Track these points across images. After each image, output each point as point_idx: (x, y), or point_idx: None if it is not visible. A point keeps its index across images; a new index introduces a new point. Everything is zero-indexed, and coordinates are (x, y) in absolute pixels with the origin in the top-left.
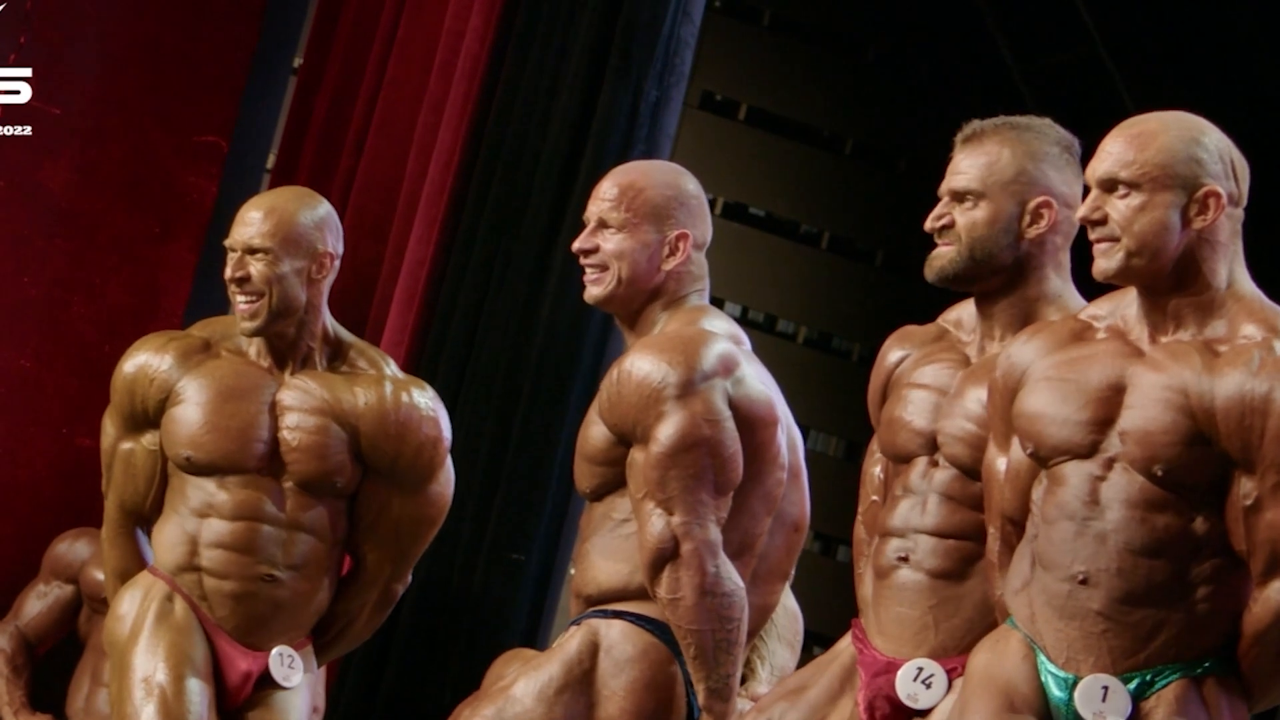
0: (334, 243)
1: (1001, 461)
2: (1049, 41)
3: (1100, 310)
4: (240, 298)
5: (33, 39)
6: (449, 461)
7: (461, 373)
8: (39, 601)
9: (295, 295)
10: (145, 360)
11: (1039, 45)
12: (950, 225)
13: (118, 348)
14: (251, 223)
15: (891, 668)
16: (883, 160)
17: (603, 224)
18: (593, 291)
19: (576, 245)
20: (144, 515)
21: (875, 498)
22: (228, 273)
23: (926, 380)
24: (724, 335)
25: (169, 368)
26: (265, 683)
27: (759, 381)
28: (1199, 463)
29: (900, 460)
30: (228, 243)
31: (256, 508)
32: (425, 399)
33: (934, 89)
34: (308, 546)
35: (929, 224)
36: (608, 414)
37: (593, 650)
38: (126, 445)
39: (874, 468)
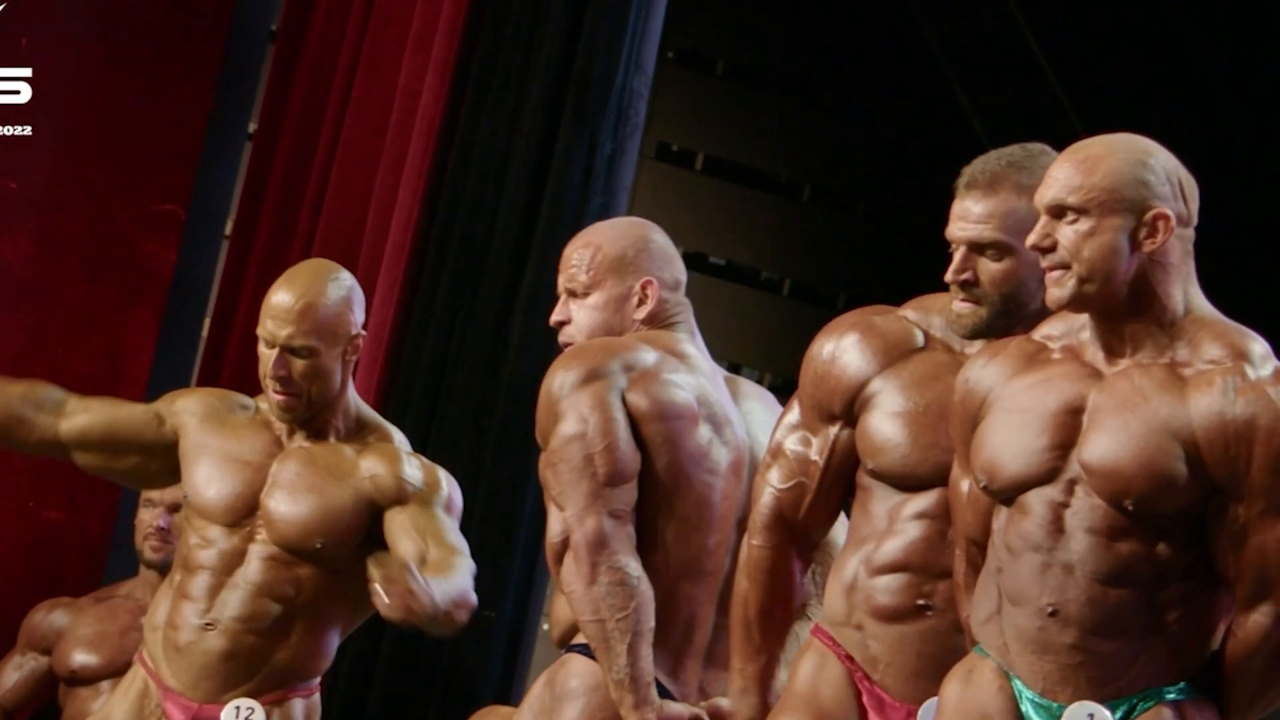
0: (361, 317)
1: (965, 483)
2: (1004, 81)
3: (1054, 330)
4: (278, 394)
5: None
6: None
7: (427, 429)
8: (15, 673)
9: (333, 384)
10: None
11: (994, 86)
12: (974, 282)
13: None
14: (286, 318)
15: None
16: (841, 204)
17: (571, 293)
18: None
19: (553, 319)
20: None
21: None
22: (267, 369)
23: None
24: (659, 348)
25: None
26: None
27: (680, 386)
28: (1172, 494)
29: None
30: (262, 335)
31: (221, 560)
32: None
33: (889, 132)
34: (262, 605)
35: (950, 277)
36: (538, 434)
37: (551, 689)
38: None
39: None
